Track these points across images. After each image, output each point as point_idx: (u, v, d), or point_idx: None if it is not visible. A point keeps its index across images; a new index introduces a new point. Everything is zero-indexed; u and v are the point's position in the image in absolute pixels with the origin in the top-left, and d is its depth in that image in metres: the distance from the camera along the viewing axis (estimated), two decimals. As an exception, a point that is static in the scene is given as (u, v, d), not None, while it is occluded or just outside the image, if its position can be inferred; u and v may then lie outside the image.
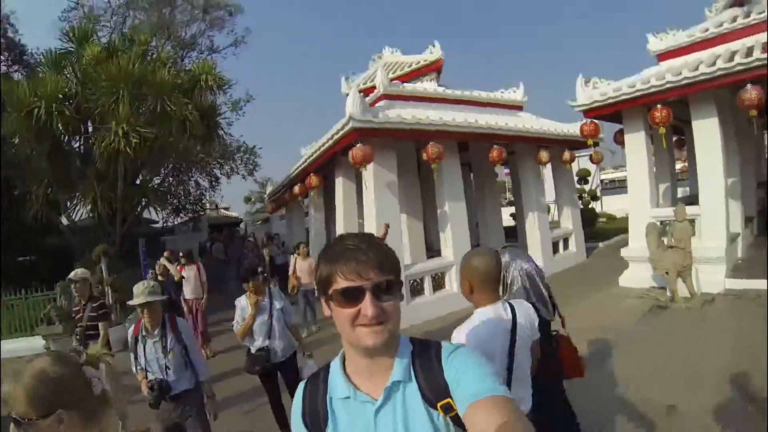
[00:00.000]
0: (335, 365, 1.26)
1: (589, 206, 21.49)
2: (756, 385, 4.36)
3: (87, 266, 12.65)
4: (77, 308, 5.56)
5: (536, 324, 2.44)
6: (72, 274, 5.49)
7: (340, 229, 10.85)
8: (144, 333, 3.69)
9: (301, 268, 9.12)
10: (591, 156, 13.56)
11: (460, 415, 1.09)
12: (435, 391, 1.15)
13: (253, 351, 4.38)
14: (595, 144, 12.36)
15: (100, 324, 5.40)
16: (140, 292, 3.58)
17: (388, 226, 8.28)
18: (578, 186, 23.63)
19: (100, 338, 5.29)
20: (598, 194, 25.53)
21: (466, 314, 2.42)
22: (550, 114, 9.63)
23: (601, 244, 14.69)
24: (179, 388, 3.67)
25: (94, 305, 5.48)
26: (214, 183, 23.24)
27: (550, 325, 3.20)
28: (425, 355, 1.21)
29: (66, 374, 1.33)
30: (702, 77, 7.47)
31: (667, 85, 7.82)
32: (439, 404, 1.14)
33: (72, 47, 13.38)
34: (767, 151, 13.10)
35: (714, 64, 7.35)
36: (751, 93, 7.03)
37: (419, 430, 1.14)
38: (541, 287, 3.07)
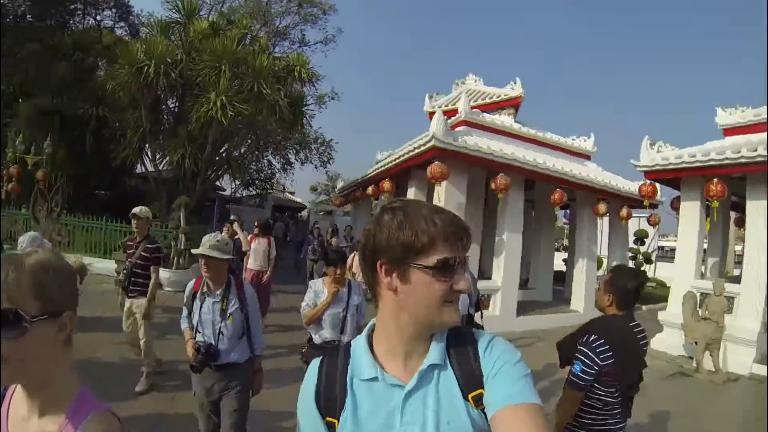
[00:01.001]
0: (359, 344, 1.21)
1: (642, 268, 21.83)
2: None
3: (158, 212, 14.89)
4: (132, 243, 5.67)
5: (467, 304, 4.47)
6: (137, 210, 5.64)
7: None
8: (205, 289, 3.50)
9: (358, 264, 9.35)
10: (649, 218, 14.27)
11: (487, 413, 1.07)
12: (469, 380, 1.12)
13: (317, 341, 4.09)
14: (654, 206, 13.18)
15: (151, 267, 5.57)
16: (204, 243, 3.39)
17: None
18: (634, 246, 24.00)
19: (152, 282, 5.52)
20: (653, 258, 25.72)
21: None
22: (615, 168, 10.31)
23: (644, 307, 15.16)
24: (228, 359, 3.43)
25: (149, 246, 5.58)
26: (286, 166, 24.97)
27: (473, 319, 5.11)
28: (460, 341, 1.18)
29: (71, 273, 1.18)
30: (758, 158, 8.03)
31: (725, 161, 8.43)
32: (471, 395, 1.11)
33: (180, 19, 15.39)
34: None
35: (770, 148, 7.93)
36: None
37: (453, 420, 1.10)
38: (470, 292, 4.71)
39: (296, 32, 24.61)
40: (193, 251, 3.47)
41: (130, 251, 5.59)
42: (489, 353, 1.14)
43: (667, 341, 9.46)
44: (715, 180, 8.73)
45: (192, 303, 3.51)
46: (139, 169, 19.00)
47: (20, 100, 15.53)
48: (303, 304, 4.10)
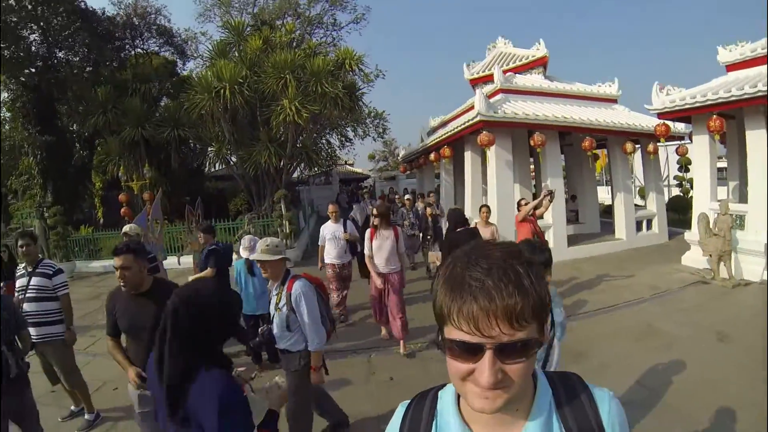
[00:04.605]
0: (447, 399, 1.14)
1: (689, 195, 23.80)
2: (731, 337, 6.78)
3: (243, 205, 19.33)
4: None
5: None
6: (127, 227, 6.64)
7: (468, 192, 14.90)
8: (270, 284, 4.19)
9: (483, 235, 8.10)
10: (677, 149, 16.54)
11: None
12: None
13: None
14: (681, 138, 15.46)
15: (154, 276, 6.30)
16: (257, 249, 4.03)
17: (552, 193, 9.64)
18: (680, 174, 25.97)
19: None
20: (699, 183, 27.42)
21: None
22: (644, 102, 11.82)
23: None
24: (281, 345, 4.04)
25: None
26: (344, 142, 28.05)
27: None
28: (573, 395, 1.10)
29: None
30: (746, 96, 9.51)
31: (719, 100, 10.13)
32: None
33: (232, 38, 18.89)
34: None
35: (756, 85, 9.44)
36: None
37: None
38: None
39: (328, 17, 26.88)
40: (250, 257, 4.30)
41: None
42: (610, 415, 1.09)
43: (695, 257, 11.23)
44: (714, 116, 10.37)
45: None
46: (208, 170, 23.09)
47: (104, 138, 19.49)
48: None
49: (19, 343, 4.06)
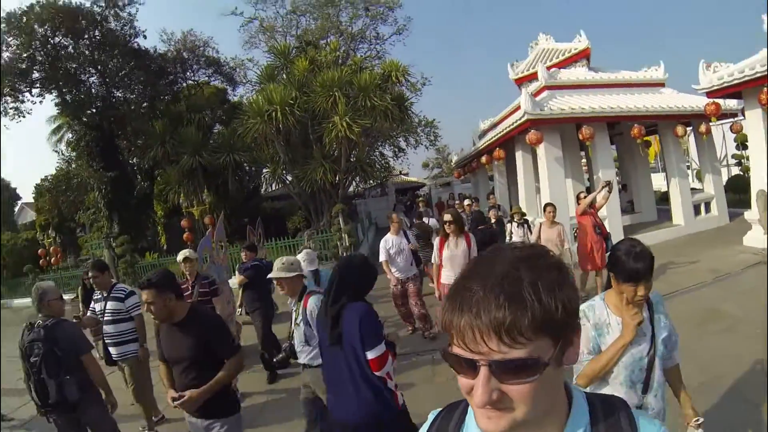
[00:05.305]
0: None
1: (749, 173, 23.25)
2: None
3: (301, 222, 20.27)
4: (185, 286, 6.20)
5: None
6: (187, 252, 6.66)
7: (521, 192, 15.18)
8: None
9: (548, 237, 8.05)
10: (731, 127, 16.37)
11: None
12: None
13: None
14: (734, 115, 15.32)
15: (213, 299, 6.49)
16: (274, 267, 4.15)
17: (609, 184, 9.20)
18: (737, 152, 25.44)
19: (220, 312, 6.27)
20: (761, 161, 26.75)
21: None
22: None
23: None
24: (302, 360, 4.22)
25: (203, 282, 6.46)
26: (397, 153, 28.80)
27: None
28: (614, 423, 0.98)
29: None
30: None
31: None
32: None
33: (279, 62, 19.85)
34: None
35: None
36: None
37: None
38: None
39: (370, 32, 27.24)
40: (269, 276, 4.23)
41: (186, 294, 5.77)
42: None
43: (757, 236, 10.69)
44: (765, 89, 9.85)
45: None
46: (264, 190, 24.24)
47: (164, 168, 20.93)
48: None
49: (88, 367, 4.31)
